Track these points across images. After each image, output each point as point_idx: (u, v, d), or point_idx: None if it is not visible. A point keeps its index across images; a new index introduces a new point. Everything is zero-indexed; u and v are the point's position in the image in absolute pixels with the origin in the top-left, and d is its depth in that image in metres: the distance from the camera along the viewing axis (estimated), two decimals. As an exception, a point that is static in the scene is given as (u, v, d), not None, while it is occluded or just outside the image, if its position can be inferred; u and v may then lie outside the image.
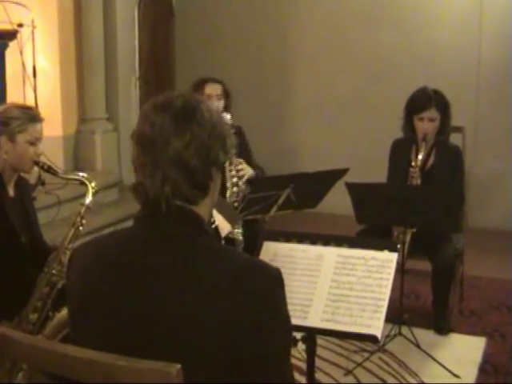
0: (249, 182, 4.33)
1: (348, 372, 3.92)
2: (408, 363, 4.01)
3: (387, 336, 4.08)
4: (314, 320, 2.54)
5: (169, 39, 7.99)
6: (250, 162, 4.54)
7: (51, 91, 6.56)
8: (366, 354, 4.06)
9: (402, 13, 7.10)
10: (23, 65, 5.91)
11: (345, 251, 2.65)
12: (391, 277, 2.56)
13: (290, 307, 2.52)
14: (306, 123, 7.59)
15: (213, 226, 2.23)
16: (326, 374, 3.90)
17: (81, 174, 3.35)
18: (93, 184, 3.25)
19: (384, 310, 2.49)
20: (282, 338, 1.69)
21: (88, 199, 3.24)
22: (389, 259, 2.61)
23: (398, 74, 6.95)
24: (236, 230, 4.23)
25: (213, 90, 4.54)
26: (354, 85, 7.27)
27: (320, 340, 4.12)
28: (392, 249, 2.63)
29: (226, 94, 4.61)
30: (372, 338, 2.49)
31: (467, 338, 4.38)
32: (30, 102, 5.91)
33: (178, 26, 8.00)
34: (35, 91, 5.97)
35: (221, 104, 4.52)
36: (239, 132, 4.54)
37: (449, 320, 4.45)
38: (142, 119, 1.72)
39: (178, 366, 1.36)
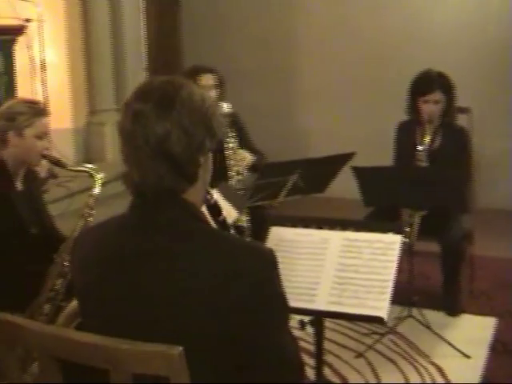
0: (253, 167, 4.36)
1: (359, 354, 3.95)
2: (418, 344, 4.04)
3: (398, 318, 4.11)
4: (321, 303, 2.57)
5: (175, 28, 8.01)
6: (249, 147, 4.56)
7: (60, 84, 6.60)
8: (377, 337, 4.10)
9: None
10: (32, 59, 5.95)
11: (350, 234, 2.68)
12: (396, 258, 2.58)
13: (297, 291, 2.60)
14: (313, 107, 7.59)
15: (220, 218, 2.24)
16: (337, 356, 3.94)
17: (88, 165, 3.39)
18: (100, 175, 3.29)
19: (389, 291, 2.53)
20: (280, 316, 1.74)
21: (96, 190, 3.28)
22: (393, 241, 2.63)
23: (404, 56, 6.92)
24: (242, 218, 4.28)
25: (206, 80, 4.48)
26: (360, 68, 7.25)
27: (331, 323, 4.19)
28: (396, 231, 2.65)
29: (221, 83, 4.57)
30: (378, 320, 2.53)
31: (477, 319, 4.40)
32: (39, 96, 5.97)
33: (184, 15, 8.01)
34: (44, 85, 6.01)
35: (215, 94, 4.47)
36: (236, 119, 4.54)
37: (459, 301, 4.47)
38: (124, 110, 1.73)
39: (180, 348, 1.40)
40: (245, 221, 4.29)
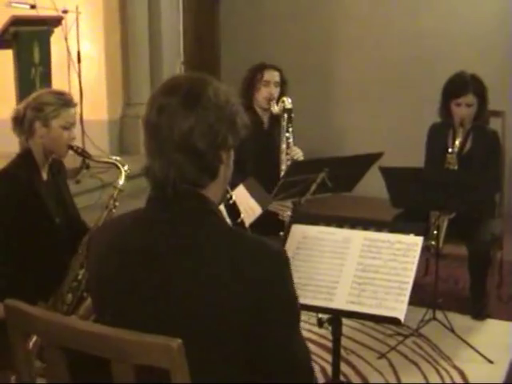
0: None
1: (381, 355, 3.93)
2: (442, 347, 4.01)
3: (422, 320, 4.08)
4: (340, 302, 2.57)
5: (214, 23, 8.03)
6: None
7: (96, 76, 6.67)
8: (401, 338, 4.07)
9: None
10: (68, 50, 6.02)
11: (371, 234, 2.68)
12: (416, 260, 2.57)
13: (317, 289, 2.59)
14: (350, 107, 7.56)
15: (238, 220, 2.24)
16: (359, 356, 3.92)
17: (114, 157, 3.42)
18: (126, 167, 3.32)
19: (408, 293, 2.52)
20: (291, 316, 1.74)
21: (121, 182, 3.31)
22: (414, 243, 2.62)
23: (440, 57, 6.86)
24: (286, 213, 4.30)
25: (271, 76, 4.62)
26: (398, 69, 7.19)
27: (355, 323, 4.18)
28: (418, 233, 2.64)
29: (283, 82, 4.67)
30: (395, 321, 2.52)
31: (503, 324, 4.34)
32: (75, 87, 6.03)
33: (222, 11, 8.03)
34: (79, 76, 6.07)
35: (277, 91, 4.60)
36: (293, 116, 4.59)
37: (486, 305, 4.42)
38: (150, 103, 1.75)
39: (179, 340, 1.42)
40: (288, 216, 4.30)
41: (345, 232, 2.71)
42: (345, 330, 4.08)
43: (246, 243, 1.72)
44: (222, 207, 1.99)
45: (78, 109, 5.88)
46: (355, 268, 2.62)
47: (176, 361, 1.40)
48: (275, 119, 4.62)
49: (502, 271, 4.83)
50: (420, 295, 4.45)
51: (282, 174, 4.40)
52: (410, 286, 2.52)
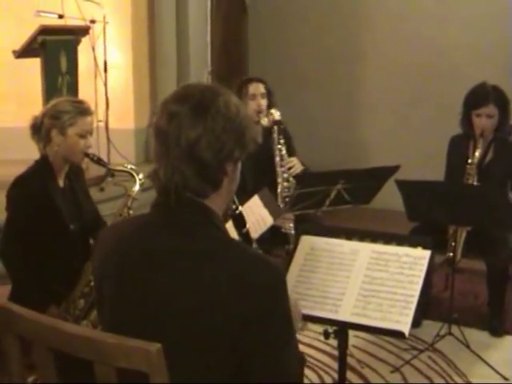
0: (295, 177, 4.35)
1: (395, 369, 3.91)
2: (457, 363, 3.97)
3: (437, 335, 4.06)
4: (345, 314, 2.57)
5: (241, 34, 8.06)
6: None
7: (124, 85, 6.73)
8: (416, 352, 4.05)
9: (471, 10, 6.96)
10: (95, 60, 6.08)
11: (379, 247, 2.67)
12: (423, 274, 2.56)
13: (322, 300, 2.60)
14: (374, 119, 7.54)
15: (244, 230, 2.25)
16: (373, 370, 3.90)
17: (129, 166, 3.45)
18: (140, 176, 3.35)
19: (413, 306, 2.50)
20: (283, 330, 1.73)
21: (135, 190, 3.34)
22: (422, 256, 2.61)
23: (466, 71, 6.80)
24: (289, 225, 4.31)
25: (256, 88, 4.60)
26: (422, 82, 7.15)
27: (369, 336, 4.15)
28: (426, 246, 2.63)
29: (269, 93, 4.66)
30: (400, 334, 2.51)
31: (521, 341, 4.30)
32: (102, 97, 6.10)
33: (250, 21, 8.07)
34: (106, 85, 6.13)
35: (265, 102, 4.58)
36: (285, 127, 4.57)
37: (503, 321, 4.38)
38: (161, 110, 1.76)
39: (159, 345, 1.44)
40: (291, 228, 4.31)
41: (353, 244, 2.71)
42: (358, 342, 4.11)
43: (245, 255, 1.73)
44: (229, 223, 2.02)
45: (103, 117, 6.06)
46: (362, 280, 2.61)
47: (154, 365, 1.42)
48: (267, 132, 4.56)
49: (521, 287, 4.78)
50: (438, 310, 4.45)
51: (280, 187, 4.40)
52: (415, 300, 2.51)
